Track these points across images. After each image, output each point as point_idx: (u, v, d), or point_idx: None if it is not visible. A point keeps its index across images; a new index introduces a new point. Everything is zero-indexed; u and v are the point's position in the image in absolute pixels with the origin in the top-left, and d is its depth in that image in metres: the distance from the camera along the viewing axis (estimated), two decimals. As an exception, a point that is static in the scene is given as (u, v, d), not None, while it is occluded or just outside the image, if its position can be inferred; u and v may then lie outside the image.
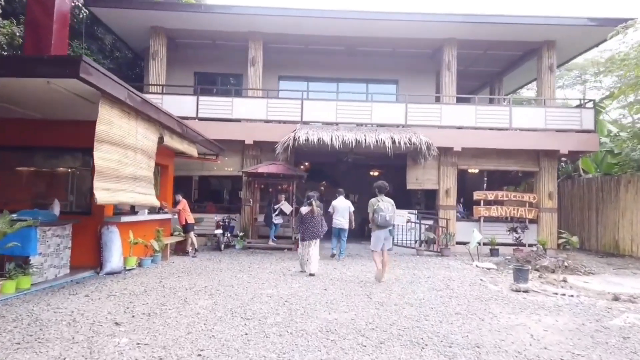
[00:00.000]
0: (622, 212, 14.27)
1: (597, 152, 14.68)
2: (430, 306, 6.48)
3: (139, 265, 9.12)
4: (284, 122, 13.94)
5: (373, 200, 8.61)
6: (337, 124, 13.70)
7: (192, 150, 10.79)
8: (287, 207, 12.97)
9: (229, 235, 13.01)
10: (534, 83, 21.34)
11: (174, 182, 12.84)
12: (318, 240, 9.12)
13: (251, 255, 11.59)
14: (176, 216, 11.58)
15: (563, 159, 15.68)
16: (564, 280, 9.12)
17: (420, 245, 13.27)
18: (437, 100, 14.86)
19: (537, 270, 10.39)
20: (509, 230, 13.47)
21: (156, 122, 8.39)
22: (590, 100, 14.19)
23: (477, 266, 10.92)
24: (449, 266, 10.72)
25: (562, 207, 16.63)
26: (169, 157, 11.87)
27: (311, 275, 8.70)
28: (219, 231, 12.41)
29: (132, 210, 9.91)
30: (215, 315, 5.56)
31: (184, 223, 11.28)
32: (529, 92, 28.64)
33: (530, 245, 13.75)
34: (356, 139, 11.96)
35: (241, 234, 13.41)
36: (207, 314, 5.60)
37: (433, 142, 12.65)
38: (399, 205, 15.84)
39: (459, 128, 13.99)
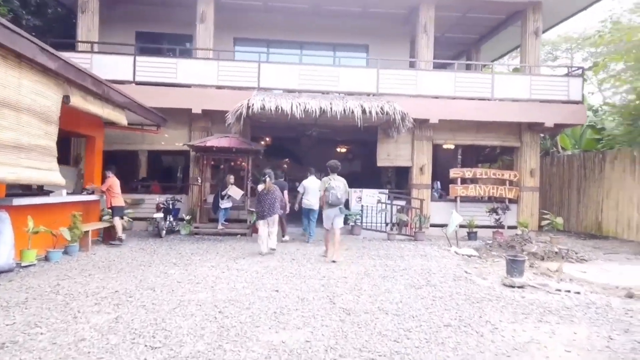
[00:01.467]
0: (607, 191, 13.24)
1: (583, 125, 13.50)
2: (411, 314, 4.98)
3: (46, 259, 7.25)
4: (239, 88, 12.07)
5: (325, 178, 8.63)
6: (299, 91, 11.94)
7: (119, 117, 8.86)
8: (236, 192, 11.23)
9: (171, 219, 11.19)
10: (510, 56, 20.08)
11: (114, 157, 10.91)
12: (276, 218, 8.81)
13: (196, 243, 9.85)
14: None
15: (541, 134, 14.48)
16: (559, 270, 7.84)
17: (391, 229, 11.84)
18: (412, 66, 13.30)
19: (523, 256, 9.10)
20: (488, 211, 12.20)
21: (58, 76, 6.45)
22: (579, 68, 12.94)
23: (456, 253, 9.57)
24: (426, 254, 9.31)
25: (540, 186, 15.55)
26: (96, 127, 9.87)
27: (272, 250, 8.66)
28: (159, 215, 10.57)
29: (41, 190, 7.96)
30: (106, 343, 3.85)
31: (109, 206, 9.38)
32: (510, 61, 27.53)
33: (510, 228, 12.55)
34: (321, 108, 10.28)
35: (187, 217, 11.61)
36: (96, 340, 3.88)
37: (409, 114, 11.10)
38: (368, 185, 14.42)
39: (436, 97, 12.49)
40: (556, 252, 9.24)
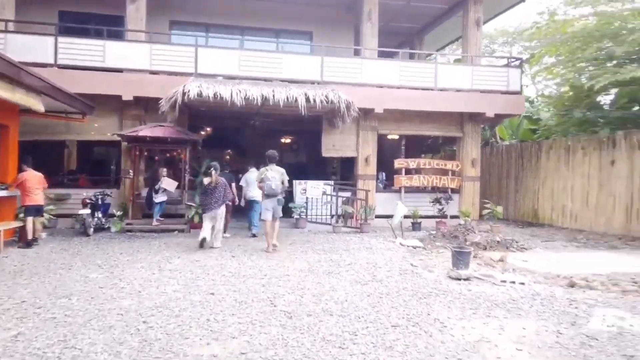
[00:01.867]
0: (543, 181, 13.70)
1: (520, 115, 13.84)
2: (357, 314, 4.67)
3: (-56, 265, 6.32)
4: (175, 74, 11.26)
5: (262, 169, 8.60)
6: (241, 78, 11.31)
7: (34, 103, 7.90)
8: (169, 184, 10.51)
9: (100, 215, 10.29)
10: (450, 49, 20.40)
11: (37, 149, 9.84)
12: (222, 211, 8.71)
13: (127, 241, 9.08)
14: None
15: (482, 124, 14.72)
16: (502, 260, 7.88)
17: (337, 221, 11.58)
18: (357, 54, 13.02)
19: (466, 246, 9.12)
20: (432, 202, 12.24)
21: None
22: (518, 59, 13.21)
23: (401, 244, 9.44)
24: (371, 246, 9.10)
25: (481, 175, 15.89)
26: (9, 114, 8.81)
27: (213, 248, 8.46)
28: (85, 211, 9.67)
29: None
30: (-1, 368, 3.24)
31: (23, 203, 8.41)
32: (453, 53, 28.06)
33: (453, 217, 12.67)
34: (263, 95, 9.75)
35: (119, 213, 10.73)
36: (-15, 367, 3.26)
37: (354, 103, 10.80)
38: (315, 176, 14.08)
39: (381, 87, 12.31)
40: (498, 242, 9.34)
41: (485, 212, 12.21)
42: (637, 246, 9.72)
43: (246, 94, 9.58)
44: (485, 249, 9.07)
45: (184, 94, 9.44)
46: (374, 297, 5.35)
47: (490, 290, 5.79)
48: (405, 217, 11.04)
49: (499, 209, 12.01)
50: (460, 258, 6.45)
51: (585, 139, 12.17)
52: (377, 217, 12.61)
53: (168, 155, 12.41)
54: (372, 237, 10.47)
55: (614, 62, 11.60)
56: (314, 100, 9.92)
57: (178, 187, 11.26)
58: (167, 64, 11.33)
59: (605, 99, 14.07)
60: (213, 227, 8.63)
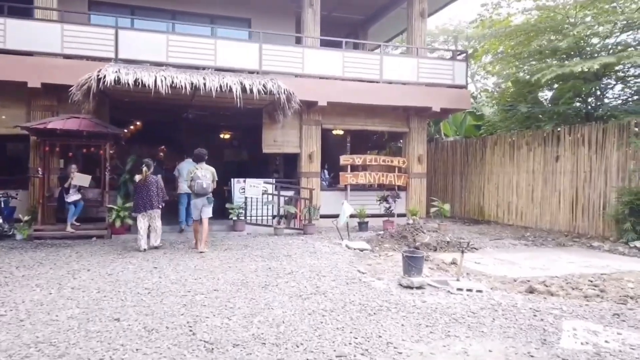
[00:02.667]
0: (488, 176, 13.53)
1: (465, 111, 13.60)
2: (295, 340, 3.84)
3: None
4: (92, 59, 9.94)
5: (191, 167, 8.40)
6: (170, 65, 10.14)
7: None
8: (82, 179, 9.23)
9: (0, 221, 8.82)
10: (394, 44, 20.07)
11: None
12: (157, 212, 8.27)
13: (31, 252, 7.74)
14: None
15: (428, 120, 14.35)
16: (455, 263, 7.35)
17: (278, 223, 10.71)
18: (299, 42, 12.19)
19: (417, 248, 8.57)
20: (379, 200, 11.65)
21: None
22: (463, 52, 12.91)
23: (347, 247, 8.74)
24: (315, 250, 8.32)
25: (427, 172, 15.60)
26: None
27: (154, 247, 8.12)
28: (-21, 217, 8.21)
29: None
30: None
31: None
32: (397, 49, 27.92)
33: (400, 216, 12.17)
34: (192, 83, 8.68)
35: (26, 218, 9.28)
36: None
37: (295, 94, 9.97)
38: (258, 174, 13.12)
39: (324, 78, 11.56)
40: (448, 242, 8.86)
41: (432, 210, 11.80)
42: (584, 243, 9.60)
43: (173, 81, 8.48)
44: (435, 250, 8.55)
45: (99, 79, 8.20)
46: (317, 315, 4.55)
47: (446, 300, 5.15)
48: (352, 216, 10.38)
49: (446, 206, 11.64)
50: (412, 264, 5.79)
51: (530, 134, 12.06)
52: (322, 217, 11.88)
53: (85, 151, 11.00)
54: (317, 240, 9.71)
55: (557, 56, 11.51)
56: (251, 90, 8.98)
57: (98, 186, 9.99)
58: (83, 47, 9.97)
59: (546, 95, 14.10)
60: (149, 228, 8.25)
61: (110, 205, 9.51)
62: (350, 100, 11.65)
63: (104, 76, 8.15)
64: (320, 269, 6.67)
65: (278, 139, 11.99)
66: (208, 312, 4.59)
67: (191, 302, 4.90)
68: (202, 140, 16.46)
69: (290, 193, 11.82)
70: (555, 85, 12.72)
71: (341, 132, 14.74)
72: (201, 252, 7.80)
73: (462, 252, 7.75)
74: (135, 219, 8.48)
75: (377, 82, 11.89)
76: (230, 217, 10.44)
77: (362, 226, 11.34)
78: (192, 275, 6.13)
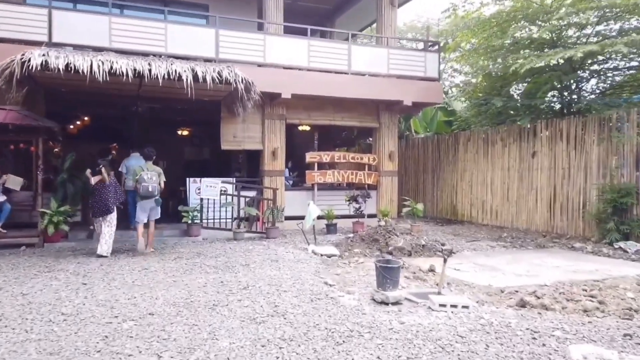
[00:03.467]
0: (461, 174, 12.94)
1: (436, 106, 12.96)
2: (240, 389, 2.93)
3: None
4: (26, 42, 8.67)
5: (137, 168, 7.96)
6: (114, 51, 8.99)
7: None
8: (14, 182, 8.06)
9: None
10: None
11: None
12: (113, 216, 7.70)
13: (-64, 267, 6.51)
14: None
15: (399, 115, 13.62)
16: (432, 270, 6.59)
17: (238, 226, 9.73)
18: (260, 29, 11.22)
19: (390, 253, 7.80)
20: (348, 200, 10.82)
21: None
22: (435, 43, 12.25)
23: (314, 253, 7.88)
24: (278, 257, 7.40)
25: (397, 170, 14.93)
26: None
27: (100, 257, 7.29)
28: None
29: None
30: None
31: None
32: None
33: (370, 216, 11.39)
34: (135, 70, 7.59)
35: (-60, 225, 7.98)
36: None
37: (255, 85, 9.01)
38: (220, 174, 12.10)
39: (289, 69, 10.64)
40: (423, 245, 8.12)
41: (405, 210, 11.07)
42: (564, 244, 9.06)
43: (112, 67, 7.37)
44: (410, 254, 7.79)
45: (23, 63, 7.02)
46: (272, 347, 3.65)
47: (428, 320, 4.34)
48: (319, 217, 9.51)
49: (419, 206, 10.93)
50: (387, 276, 4.96)
51: (505, 129, 11.50)
52: (288, 218, 10.98)
53: (13, 147, 9.71)
54: (280, 245, 8.80)
55: (533, 47, 10.98)
56: (204, 79, 7.96)
57: (29, 188, 8.77)
58: (15, 29, 8.71)
59: (519, 89, 13.61)
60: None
61: (43, 209, 8.30)
62: (317, 92, 10.78)
63: (29, 59, 6.97)
64: (282, 282, 5.76)
65: (238, 135, 11.00)
66: (134, 346, 3.61)
67: (115, 332, 3.91)
68: (159, 138, 15.28)
69: (252, 193, 10.86)
70: (528, 79, 12.22)
71: (307, 128, 13.88)
72: (145, 255, 7.47)
73: (445, 260, 7.06)
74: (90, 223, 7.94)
75: (345, 74, 11.06)
76: (183, 220, 9.39)
77: (331, 228, 10.50)
78: (126, 294, 5.11)
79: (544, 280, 6.02)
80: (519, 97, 13.18)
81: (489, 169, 11.95)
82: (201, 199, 9.69)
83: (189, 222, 9.40)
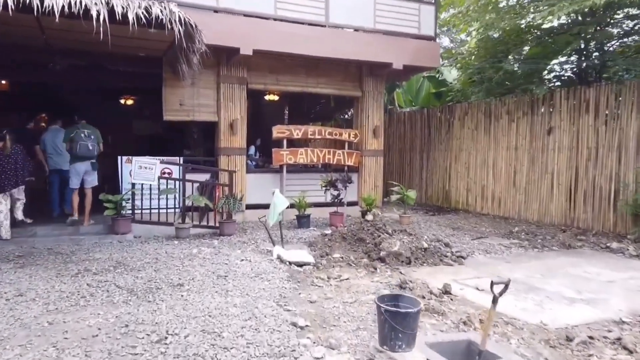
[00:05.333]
0: (456, 154, 11.02)
1: (435, 67, 10.90)
2: None
3: None
4: None
5: (71, 128, 7.37)
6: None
7: None
8: None
9: None
10: None
11: None
12: (21, 189, 6.91)
13: None
14: None
15: (386, 81, 11.45)
16: (448, 292, 4.60)
17: (183, 220, 7.50)
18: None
19: (382, 260, 5.79)
20: (325, 186, 8.70)
21: None
22: (432, -7, 10.10)
23: (280, 260, 5.80)
24: (229, 270, 5.27)
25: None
26: None
27: (24, 221, 6.98)
28: None
29: None
30: None
31: None
32: None
33: (349, 204, 9.34)
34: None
35: None
36: None
37: (205, 35, 6.70)
38: (174, 152, 9.81)
39: (250, 16, 8.31)
40: (425, 249, 6.12)
41: (392, 197, 9.08)
42: (593, 242, 7.25)
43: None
44: (409, 262, 5.79)
45: None
46: None
47: None
48: (291, 206, 7.37)
49: (412, 194, 8.96)
50: (398, 327, 2.92)
51: (514, 99, 9.55)
52: (250, 207, 8.89)
53: None
54: (236, 245, 6.67)
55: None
56: (124, 16, 5.60)
57: None
58: None
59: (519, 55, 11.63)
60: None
61: None
62: (286, 49, 8.53)
63: None
64: (225, 324, 3.64)
65: (186, 102, 8.67)
66: None
67: None
68: (102, 109, 12.79)
69: (205, 177, 8.65)
70: (533, 43, 10.26)
71: (276, 98, 11.67)
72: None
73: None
74: None
75: (321, 26, 8.83)
76: (106, 213, 7.09)
77: (302, 221, 8.42)
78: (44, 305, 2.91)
79: (614, 310, 4.14)
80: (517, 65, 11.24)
81: (491, 147, 10.05)
82: (132, 185, 7.39)
83: (116, 215, 7.10)
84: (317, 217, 9.13)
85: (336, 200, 8.74)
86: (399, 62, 9.28)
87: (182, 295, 4.32)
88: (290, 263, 5.71)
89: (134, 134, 14.12)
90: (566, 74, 10.31)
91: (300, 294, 4.52)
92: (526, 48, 10.55)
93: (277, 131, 9.19)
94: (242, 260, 5.74)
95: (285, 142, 9.28)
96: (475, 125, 10.47)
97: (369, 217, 6.80)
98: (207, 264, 5.53)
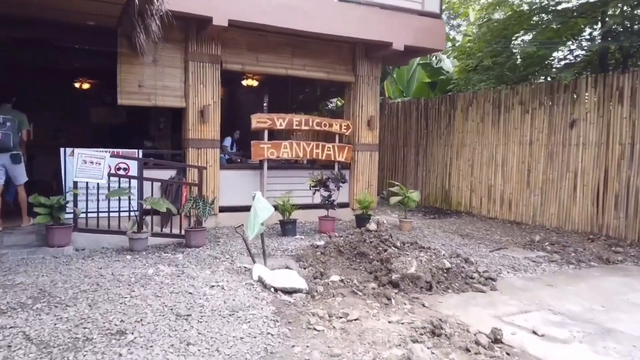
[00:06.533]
0: (458, 149, 9.82)
1: (441, 50, 9.61)
2: None
3: None
4: None
5: None
6: None
7: None
8: None
9: None
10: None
11: None
12: None
13: None
14: None
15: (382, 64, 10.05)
16: (498, 341, 3.32)
17: (139, 228, 5.99)
18: None
19: (396, 285, 4.48)
20: (314, 186, 7.31)
21: None
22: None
23: (263, 284, 4.45)
24: (194, 302, 3.86)
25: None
26: None
27: None
28: None
29: None
30: None
31: None
32: None
33: (341, 206, 8.00)
34: None
35: None
36: None
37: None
38: (125, 144, 8.21)
39: (224, -20, 6.86)
40: (447, 269, 4.84)
41: (392, 200, 7.79)
42: (634, 256, 6.13)
43: None
44: (430, 288, 4.50)
45: None
46: None
47: None
48: (275, 208, 5.99)
49: (414, 195, 7.69)
50: None
51: (532, 87, 8.35)
52: (224, 210, 7.50)
53: None
54: (206, 262, 5.27)
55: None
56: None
57: None
58: None
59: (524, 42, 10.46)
60: None
61: None
62: (267, 21, 7.10)
63: None
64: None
65: (146, 83, 7.15)
66: None
67: None
68: (53, 93, 11.17)
69: (170, 174, 7.19)
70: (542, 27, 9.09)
71: (255, 83, 10.24)
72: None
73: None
74: None
75: (311, -4, 7.44)
76: (34, 221, 5.54)
77: (287, 228, 7.04)
78: None
79: None
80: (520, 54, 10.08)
81: (500, 142, 8.87)
82: (75, 184, 5.86)
83: (48, 221, 5.57)
84: (303, 221, 7.81)
85: (327, 202, 7.39)
86: (399, 42, 7.96)
87: (120, 355, 2.91)
88: (275, 289, 4.35)
89: (93, 122, 12.47)
90: (578, 60, 9.16)
91: (293, 346, 3.16)
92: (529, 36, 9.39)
93: (257, 120, 7.77)
94: (213, 286, 4.34)
95: (266, 133, 7.88)
96: (481, 117, 9.27)
97: (371, 225, 5.50)
98: (165, 292, 4.12)
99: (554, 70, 9.13)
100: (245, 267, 5.12)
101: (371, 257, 5.23)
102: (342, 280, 4.67)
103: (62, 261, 5.15)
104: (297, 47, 8.13)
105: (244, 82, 10.23)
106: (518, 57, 8.54)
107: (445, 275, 4.71)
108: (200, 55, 7.36)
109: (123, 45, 6.88)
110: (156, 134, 11.26)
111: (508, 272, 5.34)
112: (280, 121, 7.93)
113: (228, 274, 4.80)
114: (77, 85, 11.28)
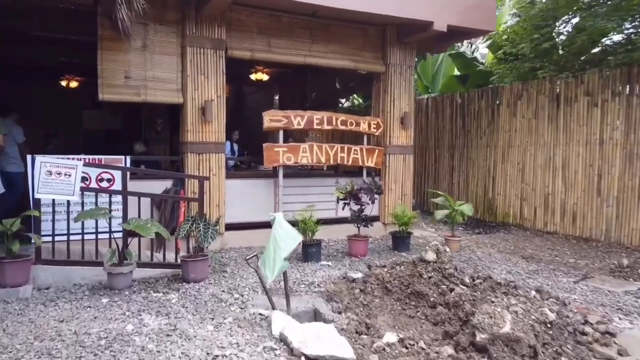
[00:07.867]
0: (503, 151, 8.37)
1: (491, 32, 8.14)
2: None
3: None
4: None
5: None
6: None
7: None
8: None
9: None
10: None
11: None
12: None
13: None
14: None
15: (418, 51, 8.49)
16: None
17: (120, 260, 4.56)
18: None
19: (482, 350, 3.04)
20: (343, 198, 5.89)
21: None
22: None
23: (287, 346, 3.03)
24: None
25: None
26: None
27: None
28: None
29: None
30: None
31: None
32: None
33: (370, 220, 6.54)
34: None
35: None
36: None
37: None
38: (122, 152, 6.76)
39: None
40: (551, 323, 3.39)
41: (440, 214, 6.36)
42: None
43: None
44: (534, 355, 3.05)
45: None
46: None
47: None
48: (292, 223, 4.54)
49: (466, 208, 6.25)
50: None
51: (606, 75, 6.88)
52: (230, 228, 6.11)
53: None
54: (208, 308, 3.88)
55: None
56: None
57: None
58: None
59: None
60: None
61: None
62: (284, -5, 5.74)
63: None
64: None
65: (134, 74, 5.78)
66: None
67: None
68: (37, 93, 9.95)
69: (165, 185, 5.82)
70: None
71: (265, 77, 8.89)
72: None
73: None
74: None
75: (335, -36, 6.05)
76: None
77: (311, 252, 5.60)
78: None
79: None
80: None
81: (559, 142, 7.42)
82: (36, 202, 4.48)
83: (11, 249, 4.19)
84: (326, 239, 6.44)
85: (358, 218, 5.97)
86: (441, 20, 6.54)
87: None
88: (308, 359, 2.95)
89: (85, 128, 11.19)
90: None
91: None
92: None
93: (271, 118, 6.37)
94: (217, 356, 2.95)
95: (281, 134, 6.48)
96: (533, 112, 7.82)
97: (429, 255, 4.05)
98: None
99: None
100: (260, 314, 3.74)
101: (432, 299, 3.83)
102: (401, 341, 3.26)
103: (12, 309, 3.78)
104: (317, 29, 6.74)
105: (253, 77, 8.86)
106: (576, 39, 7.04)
107: (550, 332, 3.27)
108: (200, 40, 5.98)
109: (104, 26, 5.53)
110: (153, 137, 9.89)
111: (620, 319, 3.90)
112: (298, 119, 6.52)
113: (238, 329, 3.41)
114: (63, 83, 9.97)
